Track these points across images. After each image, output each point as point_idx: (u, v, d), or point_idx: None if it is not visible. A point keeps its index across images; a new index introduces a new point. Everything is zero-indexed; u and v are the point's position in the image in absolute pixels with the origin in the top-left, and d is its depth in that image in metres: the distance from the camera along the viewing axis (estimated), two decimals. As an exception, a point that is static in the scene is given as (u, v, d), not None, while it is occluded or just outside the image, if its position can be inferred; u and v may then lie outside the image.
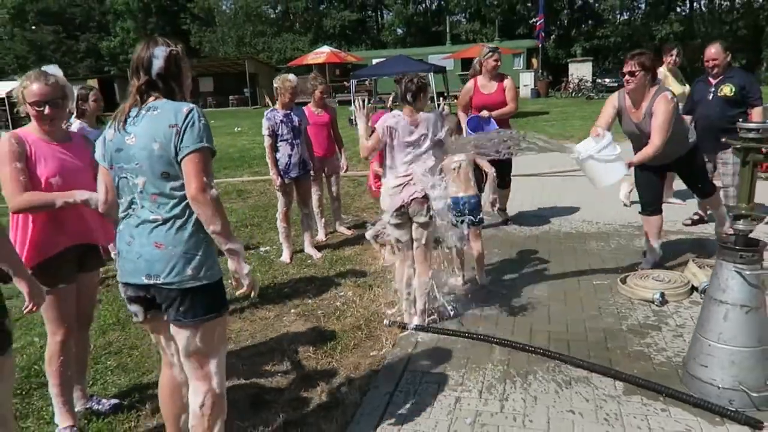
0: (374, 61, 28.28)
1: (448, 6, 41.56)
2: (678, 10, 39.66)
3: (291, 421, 2.79)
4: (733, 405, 2.67)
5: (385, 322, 3.74)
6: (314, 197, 5.86)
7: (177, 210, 2.04)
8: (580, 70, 31.26)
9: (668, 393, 2.80)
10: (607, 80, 32.02)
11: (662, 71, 5.86)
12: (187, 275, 2.04)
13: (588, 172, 3.85)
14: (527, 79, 29.48)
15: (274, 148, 5.06)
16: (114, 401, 2.97)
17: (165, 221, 2.04)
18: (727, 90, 4.97)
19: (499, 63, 5.59)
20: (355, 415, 2.79)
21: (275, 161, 5.04)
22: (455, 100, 23.53)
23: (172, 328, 2.13)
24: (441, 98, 22.58)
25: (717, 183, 4.88)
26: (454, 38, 37.48)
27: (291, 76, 5.12)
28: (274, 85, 5.13)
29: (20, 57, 45.48)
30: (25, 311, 2.21)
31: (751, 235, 2.74)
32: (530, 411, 2.75)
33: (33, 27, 46.41)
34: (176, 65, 2.11)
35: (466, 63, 30.49)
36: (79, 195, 2.52)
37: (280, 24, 45.51)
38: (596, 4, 39.79)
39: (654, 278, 4.16)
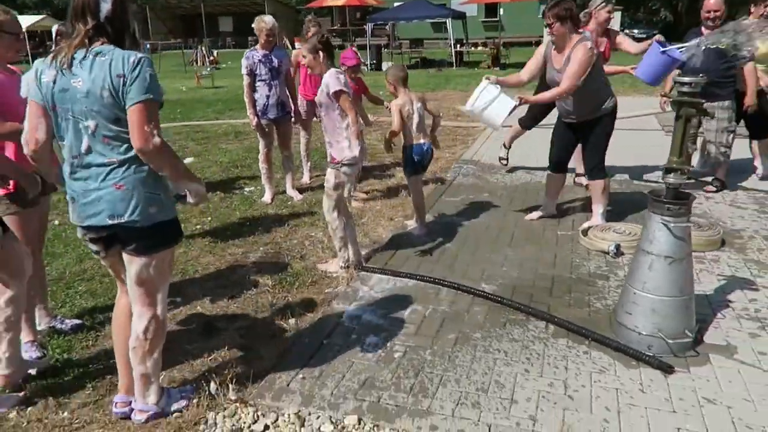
0: (396, 5, 27.64)
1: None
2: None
3: (235, 345, 2.99)
4: (651, 350, 2.80)
5: (341, 263, 3.89)
6: (302, 140, 5.96)
7: (132, 152, 2.08)
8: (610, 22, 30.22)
9: (593, 337, 2.93)
10: (636, 31, 30.98)
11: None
12: (149, 213, 2.15)
13: (483, 120, 4.07)
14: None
15: (252, 88, 5.12)
16: (76, 321, 3.20)
17: (121, 163, 2.10)
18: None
19: (612, 16, 5.21)
20: (294, 346, 2.98)
21: (253, 101, 5.12)
22: (474, 48, 23.03)
23: (126, 257, 2.24)
24: (459, 45, 22.14)
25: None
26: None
27: (267, 18, 5.14)
28: (252, 26, 5.15)
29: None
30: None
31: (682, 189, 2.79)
32: (458, 348, 2.91)
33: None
34: (123, 9, 2.11)
35: (490, 9, 29.73)
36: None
37: (302, -38, 44.33)
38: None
39: (615, 230, 4.23)
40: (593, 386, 2.58)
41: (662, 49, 4.09)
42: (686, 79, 2.64)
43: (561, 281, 3.65)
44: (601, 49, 5.12)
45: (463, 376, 2.67)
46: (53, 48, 2.31)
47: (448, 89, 14.07)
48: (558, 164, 4.58)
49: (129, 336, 2.38)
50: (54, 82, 2.07)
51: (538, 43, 30.07)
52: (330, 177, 3.69)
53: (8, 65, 2.80)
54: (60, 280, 3.79)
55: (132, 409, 2.43)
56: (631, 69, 5.09)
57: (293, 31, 36.25)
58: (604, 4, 5.16)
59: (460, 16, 22.42)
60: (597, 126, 4.29)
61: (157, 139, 2.05)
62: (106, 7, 2.05)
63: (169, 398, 2.49)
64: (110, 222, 2.13)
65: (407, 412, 2.43)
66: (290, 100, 5.39)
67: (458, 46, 21.93)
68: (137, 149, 2.05)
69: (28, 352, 2.82)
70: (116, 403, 2.47)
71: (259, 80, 5.12)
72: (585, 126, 4.34)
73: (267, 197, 5.45)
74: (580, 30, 4.29)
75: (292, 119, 5.50)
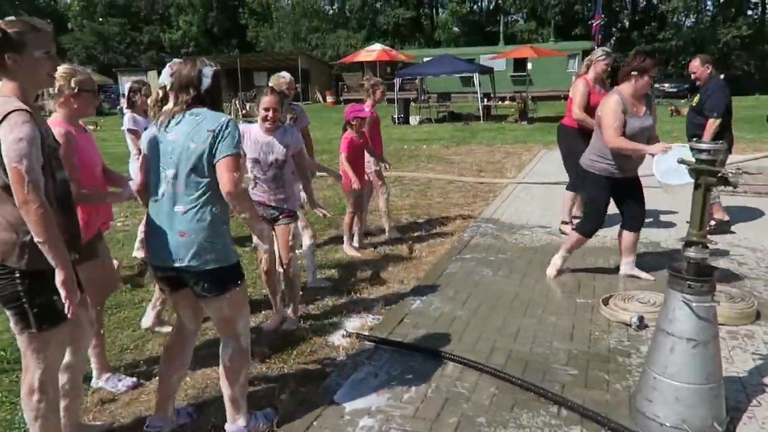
0: (425, 60, 28.12)
1: (505, 5, 40.92)
2: (749, 13, 37.68)
3: (221, 422, 2.79)
4: (676, 444, 2.50)
5: (342, 332, 3.69)
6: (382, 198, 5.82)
7: (200, 201, 2.39)
8: (691, 68, 30.19)
9: (610, 426, 2.64)
10: (667, 85, 30.82)
11: None
12: (206, 259, 2.40)
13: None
14: (580, 82, 28.68)
15: None
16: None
17: (186, 211, 2.38)
18: (695, 99, 5.63)
19: (609, 68, 5.57)
20: (280, 427, 2.77)
21: None
22: (501, 102, 23.17)
23: (202, 302, 2.52)
24: (486, 99, 22.26)
25: None
26: (509, 38, 36.89)
27: (284, 73, 5.13)
28: (270, 83, 5.15)
29: (88, 47, 47.66)
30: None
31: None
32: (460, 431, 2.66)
33: (101, 19, 48.57)
34: (218, 82, 2.49)
35: (519, 64, 30.01)
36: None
37: (336, 20, 45.94)
38: (660, 6, 38.27)
39: (638, 300, 3.94)
40: (607, 488, 2.29)
41: None
42: (705, 146, 2.44)
43: (577, 357, 3.37)
44: (597, 99, 5.21)
45: (461, 470, 2.41)
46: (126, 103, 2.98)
47: (473, 144, 14.00)
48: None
49: (175, 369, 2.68)
50: (153, 137, 2.47)
51: (565, 98, 30.15)
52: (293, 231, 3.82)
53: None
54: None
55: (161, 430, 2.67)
56: None
57: (326, 86, 37.25)
58: (604, 56, 5.50)
59: (487, 71, 22.62)
60: (638, 177, 4.42)
61: (242, 185, 2.41)
62: (206, 81, 2.46)
63: (256, 420, 2.71)
64: (172, 264, 2.40)
65: None
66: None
67: (485, 100, 22.03)
68: (226, 193, 2.35)
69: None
70: (148, 425, 2.67)
71: None
72: (634, 179, 4.41)
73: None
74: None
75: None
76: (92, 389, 3.13)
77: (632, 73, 4.10)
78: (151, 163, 2.47)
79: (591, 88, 5.53)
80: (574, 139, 5.68)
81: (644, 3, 39.81)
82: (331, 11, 47.08)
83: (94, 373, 3.17)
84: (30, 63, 2.11)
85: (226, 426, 2.67)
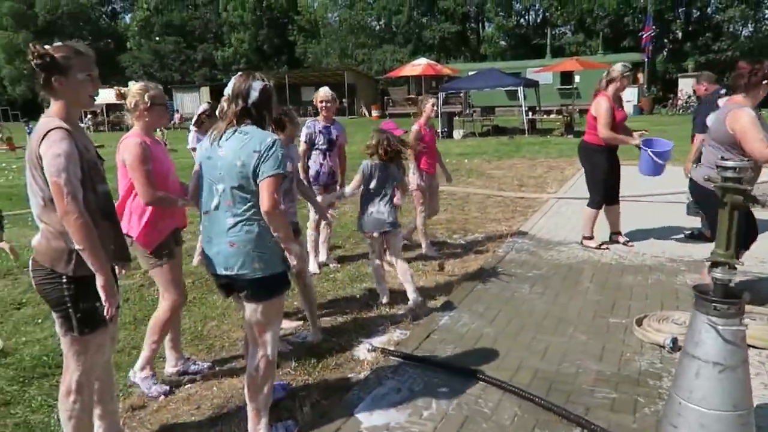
0: (470, 74, 28.03)
1: (552, 18, 40.44)
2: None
3: (241, 434, 2.85)
4: (702, 473, 2.40)
5: (368, 347, 3.71)
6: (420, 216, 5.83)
7: (247, 214, 2.52)
8: (691, 86, 29.26)
9: (633, 451, 2.57)
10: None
11: None
12: (254, 268, 2.54)
13: None
14: (630, 95, 27.96)
15: (307, 156, 5.21)
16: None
17: (235, 224, 2.53)
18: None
19: (628, 82, 5.56)
20: (301, 436, 2.81)
21: (306, 168, 5.20)
22: (546, 116, 22.89)
23: (245, 304, 2.64)
24: (531, 112, 22.02)
25: None
26: (556, 51, 36.41)
27: (322, 89, 5.25)
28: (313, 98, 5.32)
29: (145, 65, 49.68)
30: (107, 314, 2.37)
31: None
32: (477, 453, 2.63)
33: (158, 38, 50.60)
34: (267, 97, 2.59)
35: (567, 77, 29.58)
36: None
37: (382, 36, 46.41)
38: (715, 16, 37.06)
39: (673, 321, 3.82)
40: None
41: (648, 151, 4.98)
42: (730, 164, 2.37)
43: (606, 378, 3.29)
44: (621, 116, 5.56)
45: (476, 490, 2.39)
46: (194, 121, 3.29)
47: (517, 158, 13.85)
48: None
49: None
50: (206, 150, 2.61)
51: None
52: None
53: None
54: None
55: None
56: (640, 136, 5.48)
57: (371, 100, 37.62)
58: (628, 72, 5.47)
59: (532, 84, 22.38)
60: None
61: (281, 206, 2.51)
62: (254, 95, 2.55)
63: None
64: (224, 272, 2.57)
65: None
66: (339, 171, 5.42)
67: (530, 113, 21.78)
68: (265, 211, 2.46)
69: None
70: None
71: (315, 149, 5.22)
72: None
73: (313, 267, 5.39)
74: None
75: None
76: (124, 395, 3.25)
77: (764, 81, 3.92)
78: (204, 176, 2.62)
79: (613, 105, 5.46)
80: (600, 156, 5.61)
81: (698, 13, 38.60)
82: (377, 27, 47.60)
83: (170, 362, 3.47)
84: (74, 85, 2.28)
85: None
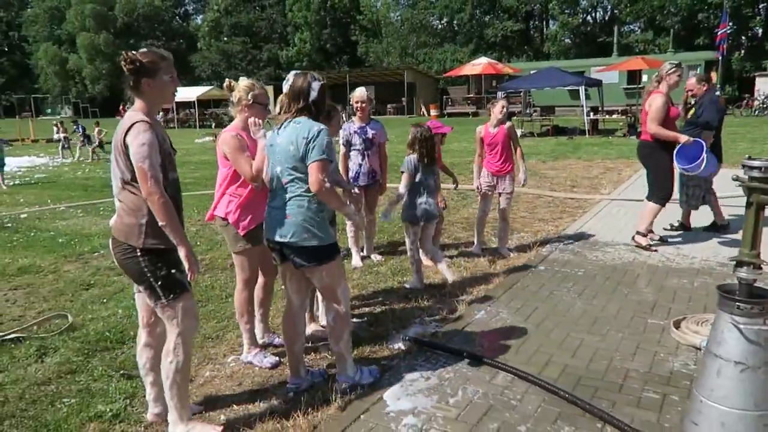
0: (531, 73, 27.64)
1: (621, 15, 39.18)
2: None
3: (282, 408, 3.05)
4: (720, 471, 2.41)
5: (402, 337, 3.86)
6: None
7: (299, 191, 2.92)
8: (768, 86, 27.75)
9: (653, 446, 2.60)
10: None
11: None
12: (302, 237, 2.93)
13: None
14: (701, 95, 26.84)
15: (347, 157, 5.39)
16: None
17: (290, 199, 2.93)
18: (692, 112, 6.18)
19: (680, 79, 5.55)
20: (330, 420, 2.97)
21: (346, 169, 5.38)
22: (609, 116, 22.25)
23: (306, 272, 3.04)
24: (593, 113, 21.51)
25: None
26: (623, 49, 35.28)
27: (358, 90, 5.40)
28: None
29: (213, 65, 51.56)
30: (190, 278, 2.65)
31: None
32: (497, 439, 2.72)
33: (225, 39, 52.39)
34: (324, 95, 3.01)
35: (633, 76, 28.66)
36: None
37: (443, 35, 46.30)
38: (800, 11, 34.94)
39: (712, 324, 3.75)
40: (636, 505, 2.27)
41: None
42: (756, 163, 2.36)
43: (636, 377, 3.30)
44: (675, 112, 5.68)
45: (491, 472, 2.49)
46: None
47: (572, 158, 13.61)
48: None
49: (293, 336, 3.22)
50: (269, 139, 3.06)
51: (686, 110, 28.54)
52: None
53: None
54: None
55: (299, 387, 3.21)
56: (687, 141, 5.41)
57: (431, 99, 37.65)
58: (674, 69, 5.49)
59: (595, 83, 21.84)
60: None
61: (327, 185, 2.89)
62: (314, 94, 2.96)
63: (362, 374, 3.24)
64: (279, 239, 2.96)
65: (419, 504, 2.30)
66: (381, 170, 5.56)
67: (592, 113, 21.27)
68: (314, 191, 2.88)
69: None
70: (288, 384, 3.25)
71: (353, 149, 5.39)
72: None
73: (356, 261, 5.58)
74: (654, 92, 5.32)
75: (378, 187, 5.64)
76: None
77: None
78: (269, 159, 3.03)
79: (669, 103, 5.52)
80: (661, 153, 5.57)
81: (781, 8, 36.47)
82: (439, 26, 47.52)
83: (245, 348, 3.66)
84: (160, 86, 2.59)
85: (337, 376, 3.22)
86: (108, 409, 3.05)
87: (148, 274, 2.58)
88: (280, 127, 2.98)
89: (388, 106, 37.91)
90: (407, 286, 4.90)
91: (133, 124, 2.49)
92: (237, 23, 53.08)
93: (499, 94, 22.91)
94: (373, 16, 48.14)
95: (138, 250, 2.56)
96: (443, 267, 4.80)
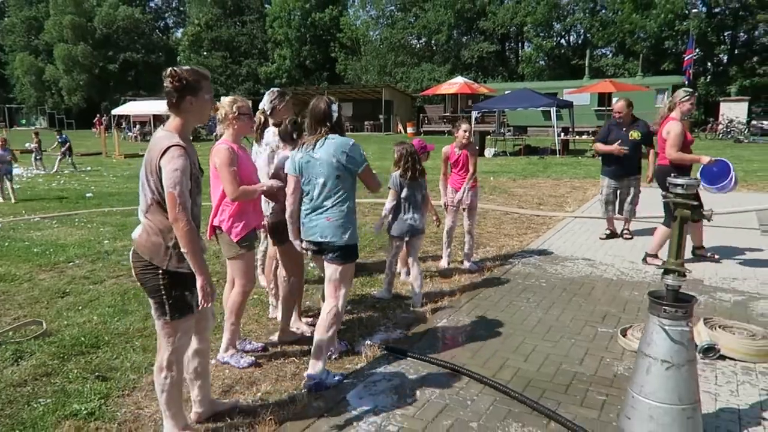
0: (506, 93, 28.28)
1: (593, 39, 40.32)
2: None
3: (246, 407, 3.22)
4: (650, 461, 2.66)
5: (368, 342, 4.07)
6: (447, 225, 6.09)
7: (341, 198, 3.40)
8: (733, 111, 28.80)
9: (591, 440, 2.84)
10: (765, 123, 29.15)
11: None
12: (341, 238, 3.40)
13: None
14: (668, 118, 27.76)
15: None
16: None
17: (333, 205, 3.39)
18: (636, 134, 6.92)
19: (693, 107, 5.86)
20: (296, 415, 3.16)
21: None
22: (579, 137, 22.82)
23: (326, 263, 3.48)
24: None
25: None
26: (595, 72, 36.31)
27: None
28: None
29: (192, 79, 51.38)
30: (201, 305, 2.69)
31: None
32: (450, 434, 2.94)
33: (205, 53, 52.45)
34: (340, 116, 3.46)
35: (603, 97, 29.51)
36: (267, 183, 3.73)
37: (421, 54, 47.03)
38: (763, 38, 36.36)
39: (656, 332, 4.04)
40: (571, 490, 2.50)
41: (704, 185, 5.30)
42: (680, 181, 2.65)
43: (581, 379, 3.55)
44: (692, 138, 5.94)
45: (442, 463, 2.70)
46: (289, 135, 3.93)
47: (542, 177, 14.04)
48: None
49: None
50: (302, 159, 3.44)
51: (653, 133, 29.54)
52: None
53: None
54: (122, 335, 4.30)
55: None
56: (708, 161, 5.57)
57: (407, 117, 38.15)
58: (688, 96, 5.77)
59: (566, 105, 22.49)
60: None
61: (380, 183, 3.61)
62: (335, 115, 3.42)
63: (329, 375, 3.51)
64: (320, 240, 3.43)
65: (374, 490, 2.50)
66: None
67: (563, 134, 21.87)
68: (371, 191, 3.65)
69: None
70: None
71: None
72: None
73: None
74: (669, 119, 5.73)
75: None
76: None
77: None
78: (304, 173, 3.44)
79: (685, 129, 5.78)
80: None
81: (745, 36, 37.94)
82: (417, 45, 48.28)
83: (222, 349, 3.85)
84: (201, 104, 2.65)
85: (306, 373, 3.47)
86: (83, 408, 3.19)
87: (163, 292, 2.63)
88: (314, 146, 3.39)
89: (366, 123, 38.31)
90: (376, 295, 5.11)
91: (169, 147, 2.50)
92: (217, 38, 53.23)
93: (474, 113, 23.43)
94: (353, 35, 48.71)
95: (160, 270, 2.61)
96: (416, 289, 4.87)
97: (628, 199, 7.08)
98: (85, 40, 53.24)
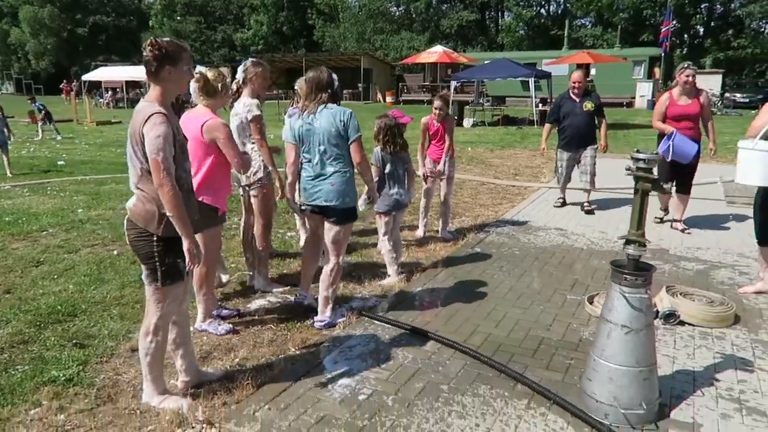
0: (485, 63, 28.17)
1: (573, 9, 40.25)
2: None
3: (226, 373, 3.31)
4: (608, 419, 2.82)
5: (344, 308, 4.17)
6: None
7: (341, 165, 3.69)
8: (709, 83, 29.12)
9: (555, 400, 2.99)
10: (738, 95, 29.59)
11: None
12: (342, 201, 3.74)
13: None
14: (645, 90, 28.05)
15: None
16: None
17: (335, 171, 3.69)
18: (589, 105, 7.01)
19: (691, 78, 5.96)
20: (273, 380, 3.26)
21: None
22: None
23: (327, 225, 3.82)
24: (541, 104, 22.22)
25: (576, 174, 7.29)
26: (573, 42, 36.32)
27: (300, 81, 5.52)
28: (295, 87, 5.58)
29: (166, 44, 50.16)
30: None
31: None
32: (420, 397, 3.06)
33: (179, 18, 51.09)
34: (339, 85, 3.72)
35: (581, 69, 29.59)
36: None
37: (400, 22, 46.49)
38: (738, 11, 36.66)
39: (621, 299, 4.20)
40: (534, 446, 2.65)
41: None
42: (641, 156, 2.75)
43: (549, 344, 3.70)
44: (675, 111, 6.04)
45: (413, 424, 2.83)
46: (293, 102, 4.59)
47: (519, 148, 14.17)
48: None
49: (311, 260, 4.18)
50: (302, 126, 3.71)
51: (629, 104, 29.97)
52: None
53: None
54: (99, 303, 4.33)
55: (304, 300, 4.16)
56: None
57: (386, 86, 37.88)
58: (682, 69, 6.00)
59: (545, 75, 22.53)
60: None
61: (366, 158, 3.79)
62: (335, 84, 3.67)
63: (336, 314, 3.96)
64: (324, 203, 3.74)
65: (347, 449, 2.62)
66: None
67: (541, 104, 21.97)
68: (356, 162, 3.72)
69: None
70: (297, 294, 4.28)
71: None
72: None
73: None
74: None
75: None
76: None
77: None
78: (305, 140, 3.71)
79: (672, 100, 6.04)
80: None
81: (721, 9, 38.20)
82: (396, 13, 47.67)
83: (198, 318, 3.91)
84: (180, 74, 2.70)
85: (316, 318, 3.91)
86: (61, 375, 3.25)
87: (157, 258, 2.71)
88: (315, 113, 3.62)
89: (345, 91, 37.88)
90: (384, 283, 4.82)
91: (151, 115, 2.56)
92: (191, 2, 51.87)
93: (453, 83, 23.35)
94: (331, 1, 47.86)
95: (155, 236, 2.69)
96: (394, 262, 4.90)
97: (587, 169, 7.18)
98: (51, 2, 51.45)
